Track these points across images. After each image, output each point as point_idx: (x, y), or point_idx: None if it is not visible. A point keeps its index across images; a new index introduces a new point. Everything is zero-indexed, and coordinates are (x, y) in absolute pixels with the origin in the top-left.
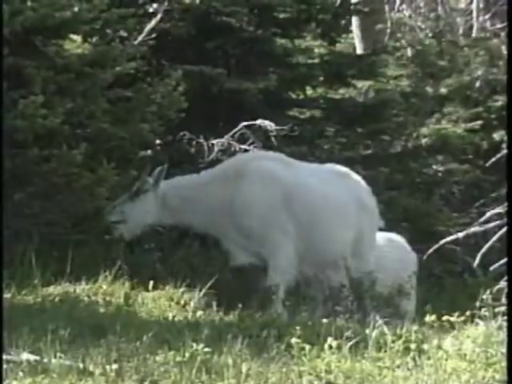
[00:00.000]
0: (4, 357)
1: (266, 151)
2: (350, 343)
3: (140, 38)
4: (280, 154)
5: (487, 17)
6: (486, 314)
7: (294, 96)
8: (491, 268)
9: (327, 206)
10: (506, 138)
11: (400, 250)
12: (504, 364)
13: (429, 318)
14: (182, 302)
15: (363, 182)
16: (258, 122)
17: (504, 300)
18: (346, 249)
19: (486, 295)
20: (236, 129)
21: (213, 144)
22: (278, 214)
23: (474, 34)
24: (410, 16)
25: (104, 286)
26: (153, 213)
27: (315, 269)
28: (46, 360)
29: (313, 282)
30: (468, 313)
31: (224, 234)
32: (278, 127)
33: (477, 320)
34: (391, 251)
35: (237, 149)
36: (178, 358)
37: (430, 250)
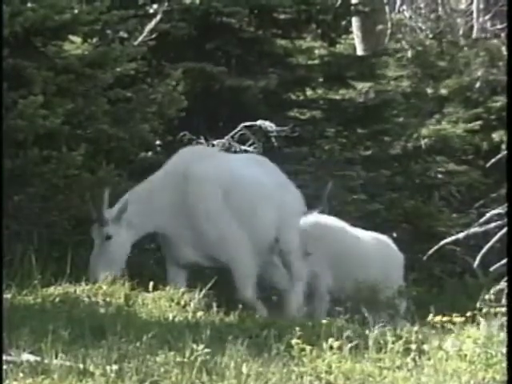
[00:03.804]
0: (4, 357)
1: (200, 146)
2: (351, 344)
3: (140, 39)
4: (212, 149)
5: (487, 17)
6: (487, 314)
7: (294, 97)
8: (491, 268)
9: (257, 194)
10: (505, 138)
11: (386, 249)
12: (504, 365)
13: (429, 319)
14: (183, 303)
15: (278, 169)
16: (259, 122)
17: (504, 301)
18: (276, 233)
19: (487, 295)
20: (236, 129)
21: (213, 144)
22: (224, 213)
23: (474, 35)
24: (410, 17)
25: (104, 287)
26: (127, 241)
27: (259, 258)
28: (46, 360)
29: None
30: (468, 313)
31: (178, 234)
32: (278, 128)
33: (477, 321)
34: (378, 250)
35: (237, 149)
36: (179, 359)
37: (431, 251)
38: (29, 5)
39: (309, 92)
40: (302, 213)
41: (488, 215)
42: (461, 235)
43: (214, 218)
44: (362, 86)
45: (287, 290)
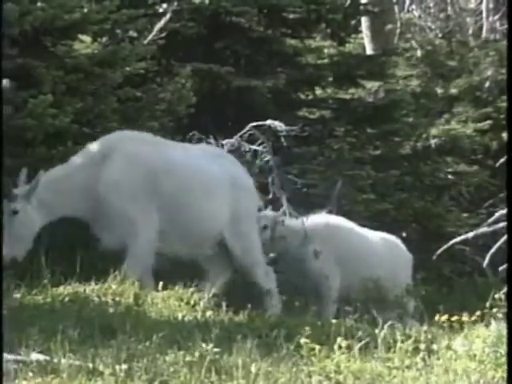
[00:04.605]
0: (14, 357)
1: (133, 131)
2: (360, 343)
3: (149, 38)
4: (148, 134)
5: (497, 17)
6: (496, 314)
7: (303, 96)
8: (500, 268)
9: (195, 183)
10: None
11: (395, 249)
12: None
13: (438, 318)
14: (192, 302)
15: (239, 163)
16: (268, 122)
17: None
18: (221, 226)
19: (496, 295)
20: (246, 129)
21: (222, 144)
22: (141, 198)
23: (483, 35)
24: (419, 16)
25: (114, 286)
26: (35, 220)
27: (193, 248)
28: (55, 360)
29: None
30: (478, 313)
31: (94, 218)
32: (287, 127)
33: (486, 320)
34: (387, 250)
35: (246, 149)
36: (188, 358)
37: (440, 250)
38: (38, 4)
39: (318, 91)
40: (256, 213)
41: (497, 215)
42: (470, 235)
43: (124, 197)
44: (372, 85)
45: (268, 289)
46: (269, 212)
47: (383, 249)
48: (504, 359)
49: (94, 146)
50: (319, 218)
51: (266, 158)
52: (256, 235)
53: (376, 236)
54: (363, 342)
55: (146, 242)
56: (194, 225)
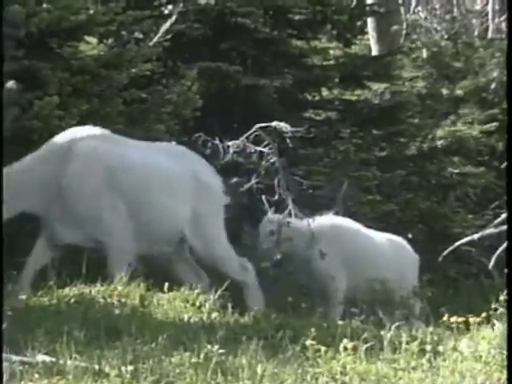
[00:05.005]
0: (19, 358)
1: (92, 128)
2: (366, 345)
3: (155, 40)
4: (107, 132)
5: (503, 18)
6: (502, 315)
7: (309, 97)
8: (506, 270)
9: (154, 181)
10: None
11: (401, 250)
12: None
13: (444, 320)
14: (198, 304)
15: (204, 161)
16: (274, 123)
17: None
18: (181, 225)
19: (502, 297)
20: (251, 130)
21: (228, 146)
22: (105, 194)
23: (489, 36)
24: (425, 17)
25: (119, 288)
26: None
27: (153, 246)
28: (61, 361)
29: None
30: (484, 314)
31: (54, 214)
32: (293, 129)
33: (492, 322)
34: (393, 252)
35: (252, 150)
36: (194, 360)
37: (446, 252)
38: (44, 6)
39: (324, 93)
40: (220, 210)
41: (503, 216)
42: (476, 236)
43: (88, 197)
44: (378, 86)
45: (244, 281)
46: (274, 216)
47: (389, 250)
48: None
49: (53, 142)
50: (325, 220)
51: (272, 160)
52: (220, 232)
53: (382, 237)
54: (369, 343)
55: (121, 239)
56: (154, 223)
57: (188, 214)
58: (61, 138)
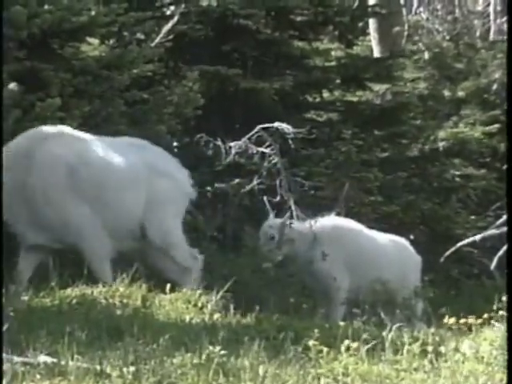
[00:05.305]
0: (21, 359)
1: (50, 126)
2: (368, 346)
3: (157, 41)
4: (66, 128)
5: (504, 19)
6: (504, 316)
7: (311, 99)
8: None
9: (109, 176)
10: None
11: (404, 251)
12: None
13: (446, 321)
14: (199, 305)
15: (166, 154)
16: (276, 124)
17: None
18: (139, 216)
19: (504, 297)
20: (253, 131)
21: (230, 146)
22: (69, 196)
23: (491, 37)
24: (427, 19)
25: (121, 289)
26: None
27: (117, 242)
28: (63, 362)
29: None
30: (485, 315)
31: (19, 217)
32: (295, 130)
33: (494, 322)
34: (395, 252)
35: (254, 151)
36: (195, 361)
37: (448, 253)
38: (46, 7)
39: (325, 94)
40: (178, 200)
41: (505, 217)
42: (477, 237)
43: (53, 200)
44: (379, 87)
45: (190, 267)
46: (275, 220)
47: (392, 251)
48: None
49: (12, 147)
50: (327, 221)
51: (274, 161)
52: (175, 220)
53: (384, 238)
54: (371, 344)
55: (93, 241)
56: (116, 218)
57: (143, 203)
58: (19, 141)
